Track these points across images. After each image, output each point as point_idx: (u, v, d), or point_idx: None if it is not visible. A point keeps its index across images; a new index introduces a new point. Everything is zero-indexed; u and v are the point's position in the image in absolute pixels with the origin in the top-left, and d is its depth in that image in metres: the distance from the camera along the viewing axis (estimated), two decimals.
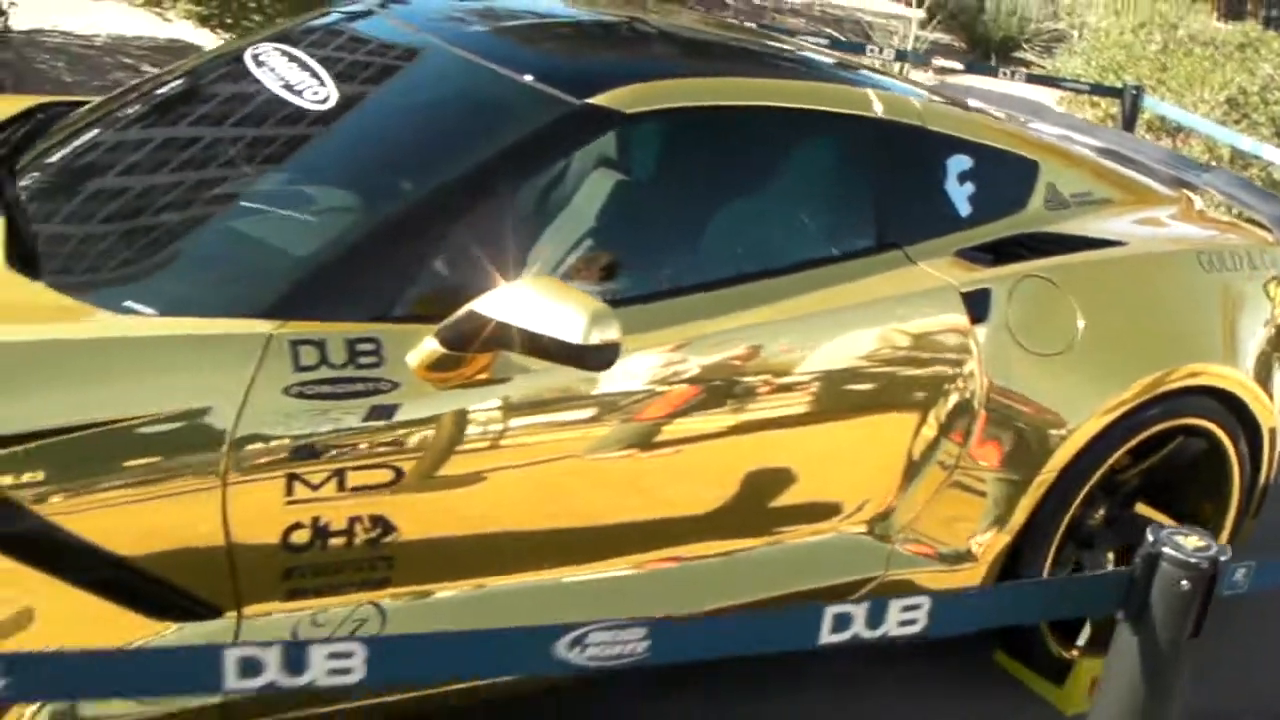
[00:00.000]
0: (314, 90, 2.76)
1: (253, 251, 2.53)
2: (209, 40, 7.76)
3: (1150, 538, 1.86)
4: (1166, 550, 1.83)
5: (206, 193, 2.66)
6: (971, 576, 2.97)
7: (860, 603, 1.59)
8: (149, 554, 2.13)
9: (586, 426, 2.48)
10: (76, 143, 2.94)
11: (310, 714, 2.35)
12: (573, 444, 2.48)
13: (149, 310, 2.28)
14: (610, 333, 2.18)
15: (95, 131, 2.98)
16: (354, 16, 3.17)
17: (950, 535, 2.95)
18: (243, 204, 2.65)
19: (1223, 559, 1.82)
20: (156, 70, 6.91)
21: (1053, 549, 3.05)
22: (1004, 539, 2.96)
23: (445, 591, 2.44)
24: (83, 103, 3.39)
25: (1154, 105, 7.33)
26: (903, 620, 1.59)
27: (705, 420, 2.61)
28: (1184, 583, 1.82)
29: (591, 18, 3.53)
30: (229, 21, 7.50)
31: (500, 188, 2.55)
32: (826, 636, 1.56)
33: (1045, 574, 3.04)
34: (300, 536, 2.24)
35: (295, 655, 1.42)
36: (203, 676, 1.41)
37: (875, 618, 1.58)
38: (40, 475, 2.02)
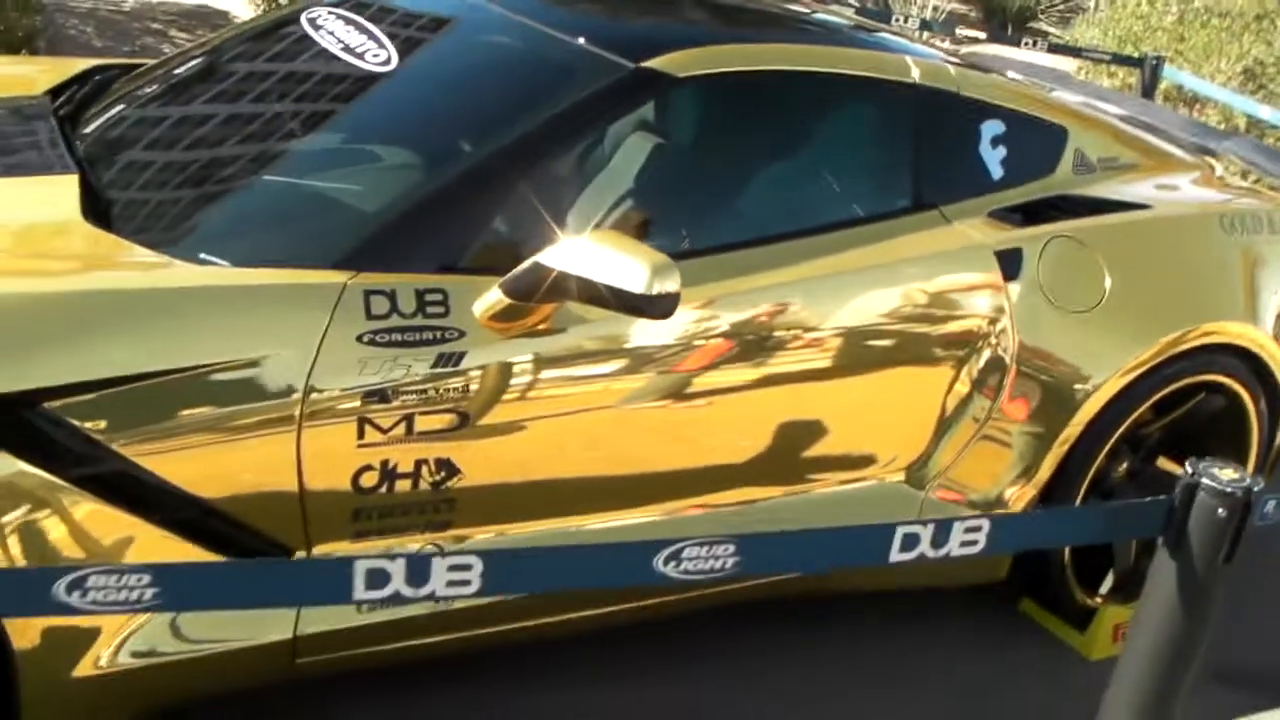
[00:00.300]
0: (374, 53, 2.86)
1: (325, 206, 2.64)
2: (237, 7, 7.81)
3: (1189, 469, 1.98)
4: (1204, 480, 1.96)
5: (275, 150, 2.76)
6: None
7: (927, 524, 1.71)
8: (226, 496, 2.23)
9: (644, 376, 2.58)
10: (143, 102, 3.04)
11: (372, 651, 2.47)
12: (630, 393, 2.58)
13: (223, 262, 2.38)
14: (671, 284, 2.28)
15: (159, 91, 3.08)
16: None
17: (981, 485, 3.06)
18: (311, 161, 2.75)
19: (1256, 489, 1.94)
20: (186, 36, 7.00)
21: (1078, 501, 3.15)
22: (1031, 491, 3.07)
23: (504, 534, 2.55)
24: (135, 65, 3.48)
25: (1173, 75, 7.39)
26: (965, 540, 1.71)
27: (755, 371, 2.72)
28: (1220, 511, 1.95)
29: None
30: None
31: (557, 148, 2.66)
32: (896, 554, 1.68)
33: None
34: (369, 479, 2.34)
35: (419, 567, 1.51)
36: (335, 587, 1.50)
37: (940, 538, 1.69)
38: (123, 419, 2.11)
